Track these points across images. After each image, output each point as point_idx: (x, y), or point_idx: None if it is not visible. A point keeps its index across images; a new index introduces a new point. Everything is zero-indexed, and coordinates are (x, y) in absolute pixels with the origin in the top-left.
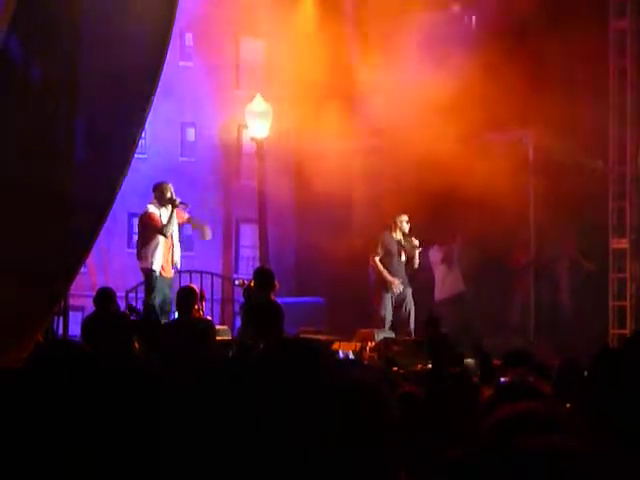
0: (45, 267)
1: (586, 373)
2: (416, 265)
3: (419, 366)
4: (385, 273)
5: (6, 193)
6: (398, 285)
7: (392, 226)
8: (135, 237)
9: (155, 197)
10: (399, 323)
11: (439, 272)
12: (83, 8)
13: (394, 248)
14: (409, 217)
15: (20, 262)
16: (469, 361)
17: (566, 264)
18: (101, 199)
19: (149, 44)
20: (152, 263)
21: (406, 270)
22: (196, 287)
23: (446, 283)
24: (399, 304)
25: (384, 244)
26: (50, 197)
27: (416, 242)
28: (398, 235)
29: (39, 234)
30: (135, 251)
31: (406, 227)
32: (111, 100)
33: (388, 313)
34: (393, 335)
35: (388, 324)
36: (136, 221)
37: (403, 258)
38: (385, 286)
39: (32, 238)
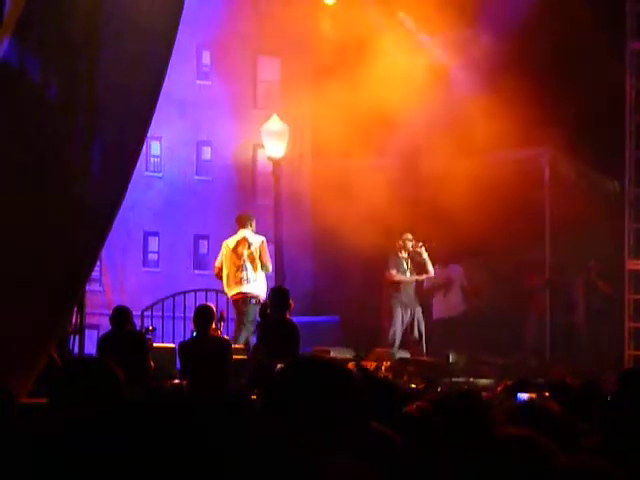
0: (52, 280)
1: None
2: (430, 270)
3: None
4: (401, 277)
5: (22, 210)
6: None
7: (398, 246)
8: (153, 255)
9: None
10: (411, 342)
11: (439, 291)
12: (98, 26)
13: (402, 268)
14: (419, 234)
15: (27, 275)
16: (483, 381)
17: (582, 285)
18: (107, 209)
19: (152, 61)
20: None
21: (421, 278)
22: (213, 307)
23: (447, 302)
24: (410, 323)
25: (394, 264)
26: (59, 208)
27: (421, 250)
28: (404, 254)
29: (46, 245)
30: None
31: (410, 245)
32: (121, 112)
33: (398, 332)
34: (409, 355)
35: (398, 343)
36: (151, 240)
37: (409, 276)
38: (396, 305)
39: (46, 253)
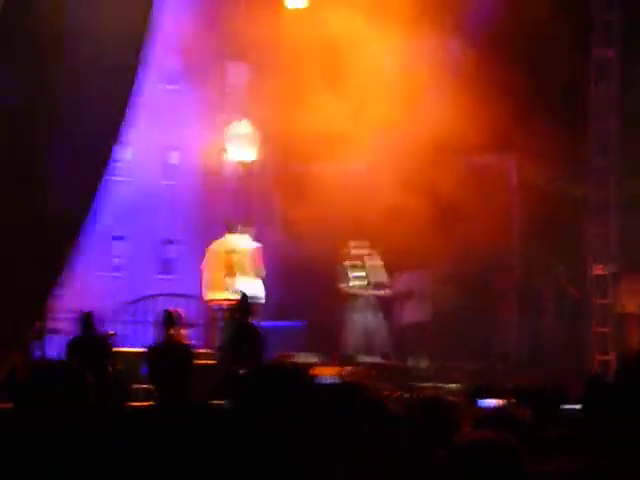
0: (20, 287)
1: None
2: (382, 277)
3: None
4: (347, 290)
5: None
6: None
7: (343, 254)
8: (117, 260)
9: None
10: (371, 348)
11: (406, 298)
12: (61, 33)
13: (346, 275)
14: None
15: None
16: (451, 386)
17: (551, 290)
18: (76, 217)
19: (123, 65)
20: None
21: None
22: (176, 311)
23: (415, 308)
24: (369, 330)
25: (341, 275)
26: (30, 221)
27: (372, 257)
28: (349, 262)
29: (13, 254)
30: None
31: (352, 252)
32: (86, 120)
33: (353, 339)
34: (373, 360)
35: (359, 348)
36: (117, 244)
37: (355, 283)
38: (352, 312)
39: (5, 259)
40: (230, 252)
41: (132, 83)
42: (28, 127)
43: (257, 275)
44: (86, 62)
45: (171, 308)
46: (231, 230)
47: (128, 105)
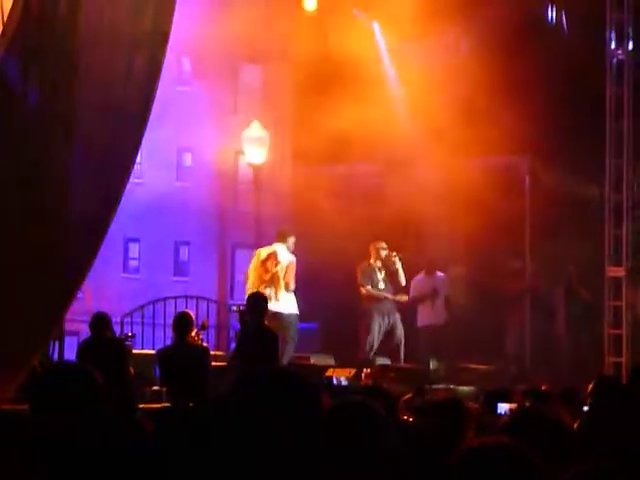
0: (42, 293)
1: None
2: (402, 281)
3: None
4: (376, 293)
5: (4, 218)
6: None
7: (372, 255)
8: (133, 262)
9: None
10: (390, 350)
11: (423, 300)
12: (80, 37)
13: (375, 276)
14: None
15: (16, 288)
16: (464, 388)
17: (562, 293)
18: (96, 222)
19: (141, 75)
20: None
21: (394, 288)
22: (192, 314)
23: (431, 310)
24: (388, 331)
25: (367, 276)
26: (46, 224)
27: (395, 259)
28: (378, 263)
29: (35, 261)
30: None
31: (383, 254)
32: (106, 127)
33: (375, 340)
34: (389, 362)
35: (374, 351)
36: (132, 246)
37: (382, 285)
38: (375, 314)
39: (28, 265)
40: (267, 261)
41: (153, 88)
42: (49, 129)
43: (287, 289)
44: (105, 66)
45: (184, 310)
46: (280, 239)
47: (149, 110)
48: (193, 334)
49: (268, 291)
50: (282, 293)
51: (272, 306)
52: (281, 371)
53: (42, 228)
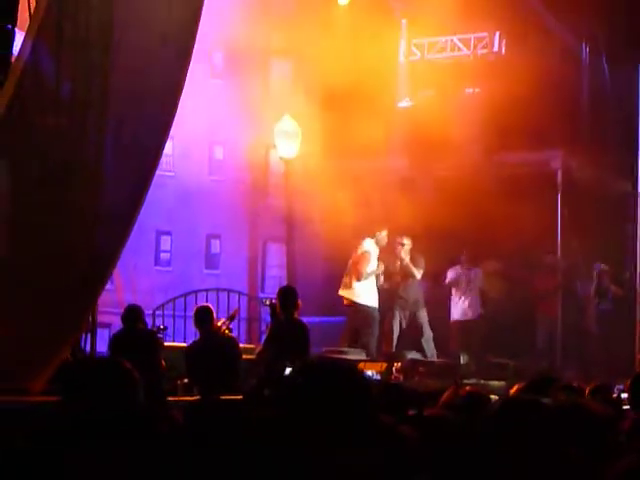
0: (71, 283)
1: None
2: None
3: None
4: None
5: (35, 211)
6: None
7: (395, 248)
8: (165, 255)
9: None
10: (417, 344)
11: (457, 293)
12: (112, 24)
13: (397, 270)
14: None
15: (47, 280)
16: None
17: (594, 289)
18: (125, 212)
19: (171, 62)
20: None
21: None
22: (211, 306)
23: (464, 305)
24: (414, 326)
25: (387, 267)
26: (77, 213)
27: (402, 254)
28: (403, 255)
29: (65, 251)
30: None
31: (398, 248)
32: (136, 115)
33: (395, 335)
34: (420, 356)
35: (393, 346)
36: (165, 239)
37: (382, 280)
38: (391, 308)
39: (58, 256)
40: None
41: (182, 81)
42: (82, 119)
43: (357, 279)
44: (136, 56)
45: (202, 304)
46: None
47: (177, 101)
48: (219, 324)
49: (345, 279)
50: (354, 282)
51: (346, 293)
52: (335, 362)
53: (72, 220)
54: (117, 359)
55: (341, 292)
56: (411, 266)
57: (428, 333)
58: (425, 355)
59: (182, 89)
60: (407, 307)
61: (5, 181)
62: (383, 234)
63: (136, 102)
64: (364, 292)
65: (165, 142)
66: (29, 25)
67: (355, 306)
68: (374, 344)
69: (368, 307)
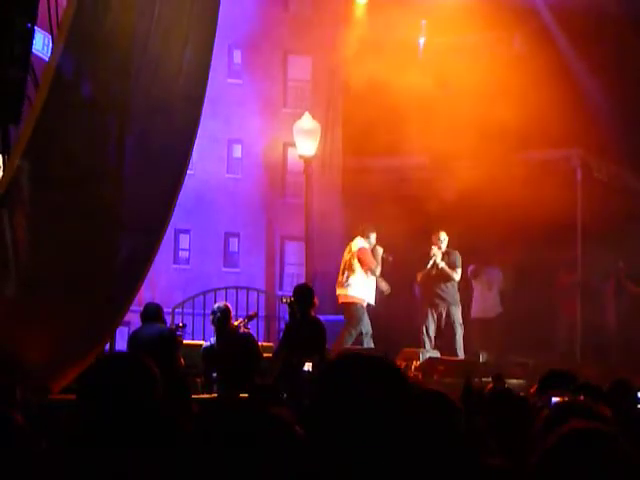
0: (100, 289)
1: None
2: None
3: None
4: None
5: (56, 213)
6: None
7: (433, 243)
8: (184, 253)
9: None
10: (446, 342)
11: (477, 291)
12: (133, 30)
13: (426, 265)
14: (449, 236)
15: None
16: (513, 381)
17: (613, 287)
18: (155, 219)
19: (192, 68)
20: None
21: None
22: (229, 305)
23: (484, 303)
24: (446, 323)
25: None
26: (100, 216)
27: (437, 253)
28: (435, 251)
29: (90, 257)
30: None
31: (440, 244)
32: (159, 123)
33: (432, 332)
34: (438, 354)
35: (428, 342)
36: (183, 237)
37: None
38: (428, 305)
39: (83, 261)
40: (346, 252)
41: (205, 84)
42: (102, 123)
43: (371, 272)
44: (158, 60)
45: (222, 303)
46: (359, 233)
47: (201, 108)
48: (236, 323)
49: (340, 277)
50: (352, 278)
51: (342, 291)
52: (370, 357)
53: (95, 226)
54: (137, 354)
55: (338, 292)
56: (447, 269)
57: (459, 332)
58: (456, 354)
59: (205, 92)
60: (440, 304)
61: (31, 185)
62: (373, 236)
63: (158, 108)
64: (363, 287)
65: (192, 150)
66: (59, 28)
67: (347, 300)
68: (350, 342)
69: (359, 303)
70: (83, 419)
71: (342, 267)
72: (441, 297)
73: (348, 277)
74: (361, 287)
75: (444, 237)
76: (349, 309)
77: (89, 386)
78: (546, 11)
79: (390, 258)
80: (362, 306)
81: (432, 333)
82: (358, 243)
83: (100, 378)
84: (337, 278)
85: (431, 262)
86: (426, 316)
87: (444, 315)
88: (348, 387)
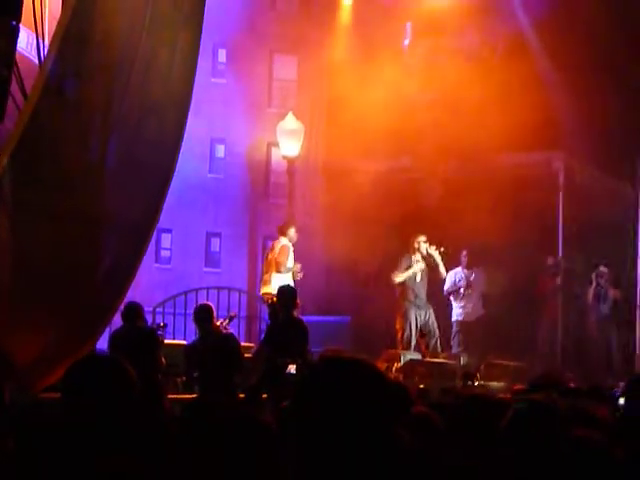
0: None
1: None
2: (443, 274)
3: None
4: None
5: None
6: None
7: (412, 248)
8: (165, 252)
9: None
10: (427, 343)
11: (457, 294)
12: (125, 33)
13: (412, 270)
14: (431, 237)
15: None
16: (494, 384)
17: (594, 291)
18: (142, 221)
19: (180, 70)
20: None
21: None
22: (212, 305)
23: (466, 306)
24: (423, 326)
25: (402, 266)
26: (85, 218)
27: (435, 253)
28: (417, 256)
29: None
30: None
31: (424, 247)
32: (150, 123)
33: (412, 335)
34: (419, 356)
35: (413, 344)
36: (165, 237)
37: (418, 278)
38: (409, 307)
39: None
40: (269, 251)
41: (192, 85)
42: (85, 124)
43: (278, 270)
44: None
45: (202, 303)
46: (280, 234)
47: (188, 111)
48: (218, 323)
49: (265, 276)
50: (274, 276)
51: (266, 289)
52: (348, 359)
53: (81, 229)
54: (114, 357)
55: (262, 291)
56: (442, 266)
57: (437, 333)
58: (436, 354)
59: (192, 94)
60: (422, 307)
61: (15, 186)
62: (293, 231)
63: (152, 111)
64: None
65: (179, 152)
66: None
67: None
68: None
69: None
70: (63, 419)
71: (265, 266)
72: (424, 299)
73: (270, 275)
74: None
75: (423, 238)
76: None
77: (69, 387)
78: (524, 17)
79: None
80: None
81: (413, 336)
82: (280, 242)
83: (77, 380)
84: (262, 277)
85: (417, 267)
86: (408, 319)
87: (427, 317)
88: (328, 390)
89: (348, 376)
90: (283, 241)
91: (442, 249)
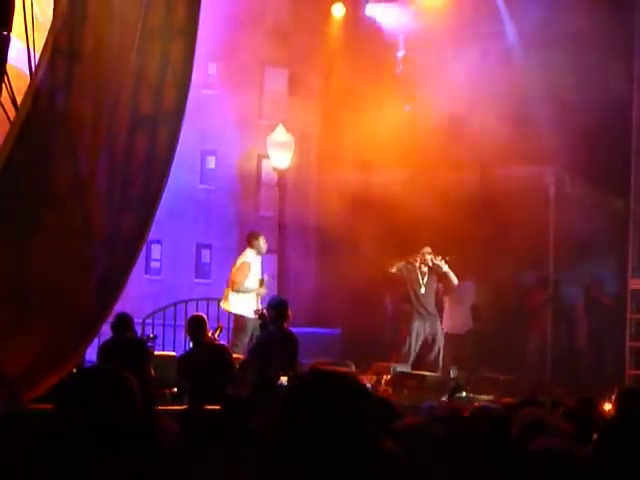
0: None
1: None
2: (454, 281)
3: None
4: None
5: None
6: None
7: (419, 260)
8: (155, 263)
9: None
10: (427, 357)
11: (448, 306)
12: (117, 45)
13: (419, 282)
14: (419, 251)
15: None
16: (484, 397)
17: (584, 304)
18: (133, 234)
19: (173, 83)
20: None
21: (446, 288)
22: (204, 315)
23: (455, 318)
24: (428, 338)
25: (411, 277)
26: (76, 231)
27: (441, 263)
28: (424, 268)
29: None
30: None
31: (429, 258)
32: (144, 136)
33: (415, 345)
34: (408, 369)
35: (413, 356)
36: (155, 248)
37: (423, 290)
38: (415, 318)
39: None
40: (233, 263)
41: (186, 97)
42: (75, 134)
43: (233, 289)
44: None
45: (195, 314)
46: (248, 244)
47: (181, 126)
48: (209, 334)
49: (225, 291)
50: (231, 293)
51: (225, 305)
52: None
53: (71, 241)
54: (117, 369)
55: (222, 305)
56: (451, 274)
57: (441, 348)
58: (436, 368)
59: (185, 107)
60: (428, 319)
61: (4, 201)
62: (261, 241)
63: (145, 123)
64: (241, 303)
65: (171, 164)
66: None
67: (232, 313)
68: (239, 351)
69: (243, 317)
70: (59, 430)
71: (228, 280)
72: (429, 312)
73: (229, 291)
74: (238, 301)
75: (428, 249)
76: (235, 321)
77: (68, 398)
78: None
79: (267, 278)
80: (243, 318)
81: (417, 347)
82: (244, 256)
83: (80, 391)
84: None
85: (424, 279)
86: (412, 330)
87: (430, 330)
88: (315, 403)
89: (334, 389)
90: (247, 255)
91: (447, 258)
